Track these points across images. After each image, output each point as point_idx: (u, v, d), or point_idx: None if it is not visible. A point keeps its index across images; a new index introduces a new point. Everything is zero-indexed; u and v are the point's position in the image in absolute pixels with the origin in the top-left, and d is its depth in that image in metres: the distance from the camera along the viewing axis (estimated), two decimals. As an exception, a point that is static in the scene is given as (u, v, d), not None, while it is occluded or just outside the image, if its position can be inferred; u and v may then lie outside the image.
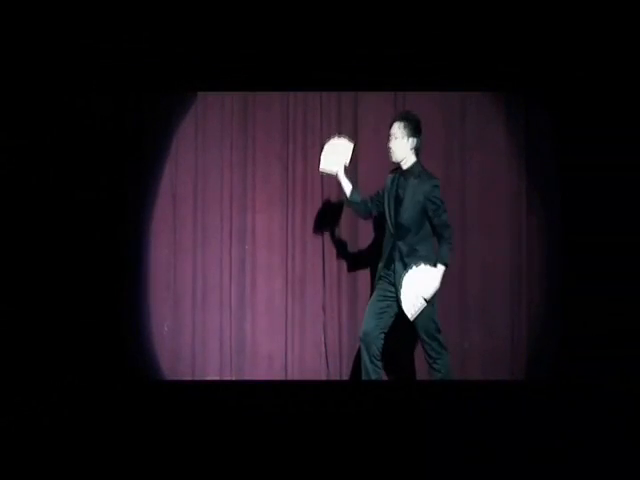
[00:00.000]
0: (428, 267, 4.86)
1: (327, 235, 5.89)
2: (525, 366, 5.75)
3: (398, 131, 4.98)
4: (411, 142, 4.97)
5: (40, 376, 4.82)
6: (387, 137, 5.04)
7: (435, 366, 4.96)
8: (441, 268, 4.87)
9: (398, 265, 4.94)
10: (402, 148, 4.98)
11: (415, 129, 4.98)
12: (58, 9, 5.03)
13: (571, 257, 5.40)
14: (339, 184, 5.21)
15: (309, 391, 4.87)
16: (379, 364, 5.01)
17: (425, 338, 4.96)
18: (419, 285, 4.85)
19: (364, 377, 5.02)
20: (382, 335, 5.01)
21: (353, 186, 5.16)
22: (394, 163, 5.06)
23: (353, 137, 5.84)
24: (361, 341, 5.04)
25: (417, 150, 5.01)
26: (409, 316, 4.86)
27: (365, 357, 4.99)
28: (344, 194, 5.19)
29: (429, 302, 4.85)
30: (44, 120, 5.17)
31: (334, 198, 5.86)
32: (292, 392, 4.85)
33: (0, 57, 5.03)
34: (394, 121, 5.03)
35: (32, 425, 4.19)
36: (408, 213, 4.95)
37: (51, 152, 5.20)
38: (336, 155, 5.17)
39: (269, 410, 4.28)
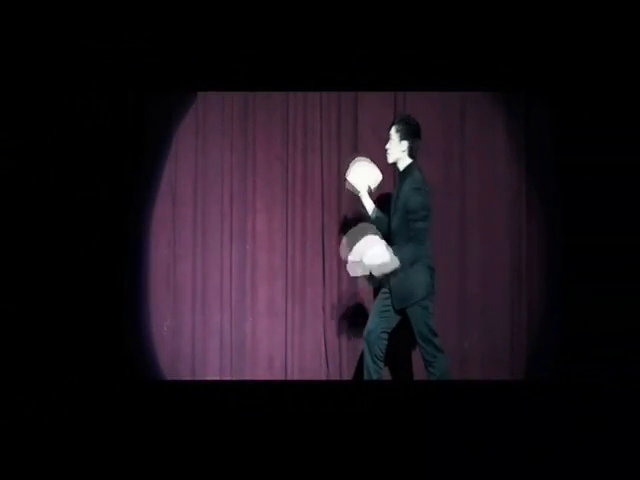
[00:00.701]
0: (384, 244, 4.82)
1: (327, 235, 5.89)
2: (525, 366, 5.76)
3: (393, 134, 5.01)
4: (403, 144, 4.98)
5: (40, 376, 4.82)
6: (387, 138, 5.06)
7: (430, 369, 4.95)
8: (393, 260, 4.79)
9: None
10: (394, 150, 5.01)
11: (410, 132, 4.98)
12: (58, 9, 5.03)
13: (571, 257, 5.40)
14: (359, 200, 5.15)
15: (309, 391, 4.86)
16: (381, 364, 5.01)
17: (420, 342, 4.96)
18: (369, 251, 4.81)
19: (365, 376, 5.02)
20: (385, 335, 5.00)
21: (375, 205, 5.15)
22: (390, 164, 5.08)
23: (353, 137, 5.88)
24: (364, 339, 5.04)
25: (412, 153, 5.00)
26: (350, 272, 4.88)
27: (367, 356, 5.00)
28: (366, 213, 5.15)
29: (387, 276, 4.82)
30: (44, 120, 5.16)
31: (335, 199, 5.87)
32: (292, 392, 4.84)
33: (0, 57, 5.03)
34: (392, 124, 5.06)
35: (32, 425, 4.18)
36: (397, 216, 4.96)
37: (51, 152, 5.19)
38: (364, 176, 5.12)
39: (269, 410, 4.28)
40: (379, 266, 4.80)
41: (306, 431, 4.06)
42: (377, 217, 5.11)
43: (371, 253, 4.80)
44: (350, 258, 4.85)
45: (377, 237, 4.86)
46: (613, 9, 5.06)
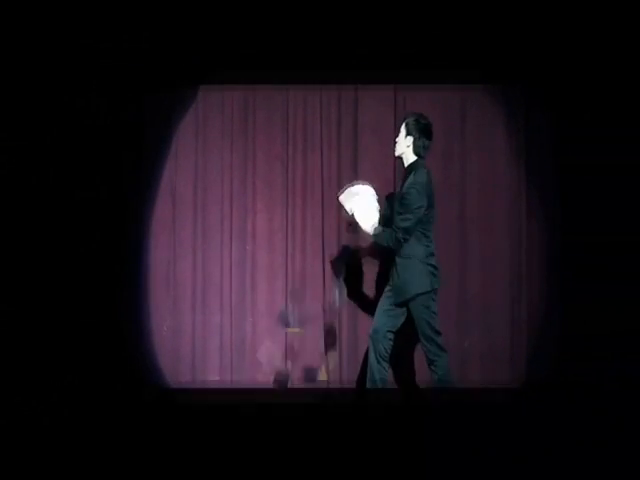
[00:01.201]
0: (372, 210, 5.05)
1: (327, 235, 5.89)
2: (525, 366, 5.75)
3: (402, 128, 5.04)
4: (408, 140, 5.00)
5: (40, 376, 4.82)
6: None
7: (433, 367, 4.95)
8: (370, 229, 4.98)
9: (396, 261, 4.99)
10: (400, 144, 5.04)
11: (417, 129, 4.98)
12: (58, 9, 5.03)
13: (571, 257, 5.40)
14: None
15: (309, 391, 4.86)
16: (385, 365, 5.00)
17: (422, 340, 4.96)
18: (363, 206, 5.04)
19: (369, 376, 5.01)
20: (390, 334, 4.99)
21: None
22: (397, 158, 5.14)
23: (353, 137, 5.87)
24: (370, 338, 5.03)
25: (417, 150, 5.01)
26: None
27: (372, 355, 4.99)
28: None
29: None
30: (44, 120, 5.17)
31: (335, 199, 5.87)
32: (292, 392, 4.84)
33: (0, 57, 5.04)
34: (404, 118, 5.08)
35: (32, 425, 4.18)
36: (396, 212, 4.99)
37: (51, 152, 5.20)
38: (355, 200, 5.17)
39: (269, 412, 4.28)
40: (360, 215, 5.02)
41: (306, 432, 4.06)
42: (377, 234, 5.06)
43: (364, 203, 5.04)
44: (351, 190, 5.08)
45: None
46: (613, 9, 5.07)
